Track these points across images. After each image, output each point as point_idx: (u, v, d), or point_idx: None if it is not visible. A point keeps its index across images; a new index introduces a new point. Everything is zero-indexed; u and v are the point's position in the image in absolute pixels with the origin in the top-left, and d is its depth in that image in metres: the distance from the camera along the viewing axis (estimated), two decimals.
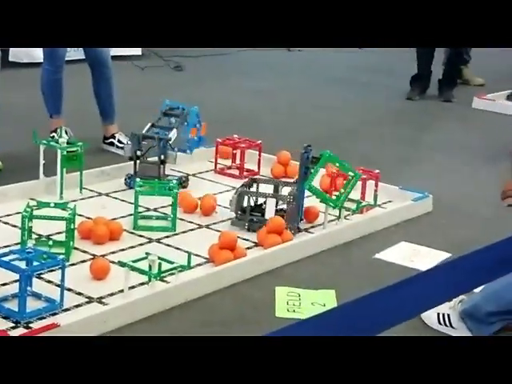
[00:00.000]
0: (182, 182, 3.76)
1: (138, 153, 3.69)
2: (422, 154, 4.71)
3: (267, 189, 3.47)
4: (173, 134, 3.74)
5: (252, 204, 3.34)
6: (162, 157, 3.68)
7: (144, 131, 3.75)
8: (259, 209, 3.34)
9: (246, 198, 3.32)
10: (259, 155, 4.08)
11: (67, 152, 3.53)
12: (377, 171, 3.69)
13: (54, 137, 3.73)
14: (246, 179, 3.60)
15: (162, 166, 3.69)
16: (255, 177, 3.63)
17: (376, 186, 3.64)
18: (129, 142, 3.75)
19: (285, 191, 3.39)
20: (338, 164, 3.38)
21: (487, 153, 4.79)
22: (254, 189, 3.46)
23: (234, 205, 3.31)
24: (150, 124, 3.81)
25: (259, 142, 4.11)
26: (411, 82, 6.15)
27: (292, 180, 3.61)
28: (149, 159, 3.72)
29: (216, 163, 4.09)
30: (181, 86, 5.91)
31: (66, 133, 3.78)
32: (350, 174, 3.38)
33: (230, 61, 6.88)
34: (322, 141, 4.60)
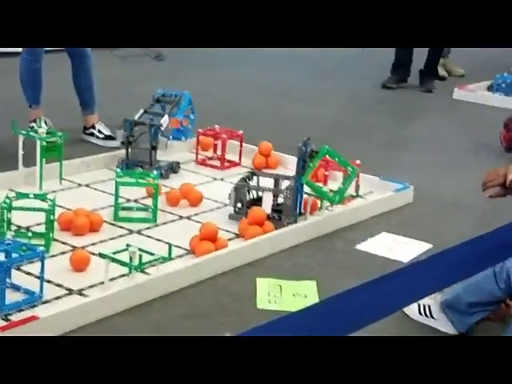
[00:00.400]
0: (174, 168, 3.81)
1: (130, 139, 3.73)
2: (403, 145, 4.72)
3: (267, 182, 3.45)
4: (164, 121, 3.75)
5: (251, 197, 3.32)
6: (153, 143, 3.71)
7: (136, 117, 3.77)
8: (258, 202, 3.33)
9: (243, 191, 3.29)
10: (240, 146, 4.06)
11: (47, 142, 3.50)
12: (358, 162, 3.69)
13: (33, 127, 3.69)
14: (246, 172, 3.57)
15: (153, 152, 3.73)
16: (255, 170, 3.60)
17: (358, 176, 3.63)
18: (121, 128, 3.77)
19: (285, 185, 3.38)
20: (337, 159, 3.37)
21: (467, 143, 4.81)
22: (254, 182, 3.44)
23: (232, 198, 3.29)
24: (142, 110, 3.83)
25: (240, 132, 4.09)
26: (391, 71, 6.16)
27: (291, 173, 3.58)
28: (141, 145, 3.75)
29: (197, 154, 4.07)
30: (162, 76, 5.87)
31: (46, 123, 3.75)
32: (349, 169, 3.37)
33: (212, 51, 6.84)
34: (303, 131, 4.59)
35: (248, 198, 3.30)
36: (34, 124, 3.76)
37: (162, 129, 3.73)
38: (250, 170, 3.71)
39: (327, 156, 3.35)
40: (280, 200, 3.31)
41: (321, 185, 3.54)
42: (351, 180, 3.37)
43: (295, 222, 3.26)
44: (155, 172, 3.44)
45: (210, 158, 4.10)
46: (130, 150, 3.74)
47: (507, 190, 2.40)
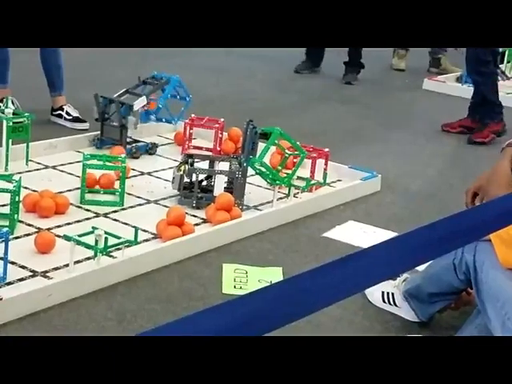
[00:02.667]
0: (149, 149, 3.85)
1: (106, 116, 3.80)
2: (372, 133, 4.74)
3: (203, 164, 3.45)
4: (139, 102, 3.77)
5: (190, 181, 3.30)
6: (123, 121, 3.75)
7: (115, 96, 3.80)
8: (199, 185, 3.32)
9: (191, 175, 3.28)
10: (221, 133, 3.99)
11: (13, 123, 3.46)
12: (326, 150, 3.70)
13: None
14: (182, 155, 3.56)
15: (123, 131, 3.77)
16: (191, 152, 3.60)
17: (326, 164, 3.65)
18: (94, 107, 3.82)
19: (221, 166, 3.37)
20: (289, 142, 3.41)
21: (435, 133, 4.85)
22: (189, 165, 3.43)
23: (177, 183, 3.27)
24: (124, 90, 3.86)
25: (222, 120, 4.03)
26: (306, 57, 6.16)
27: (231, 155, 3.57)
28: (113, 123, 3.81)
29: (184, 143, 4.00)
30: (132, 61, 5.83)
31: (13, 103, 3.71)
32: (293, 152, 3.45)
33: None
34: (273, 118, 4.59)
35: (197, 181, 3.27)
36: (0, 104, 3.72)
37: (135, 109, 3.76)
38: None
39: (279, 139, 3.41)
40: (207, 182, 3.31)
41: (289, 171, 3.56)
42: (300, 163, 3.47)
43: (243, 203, 3.27)
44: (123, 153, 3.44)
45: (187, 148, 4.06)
46: (104, 127, 3.80)
47: None
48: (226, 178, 3.32)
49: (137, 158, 3.77)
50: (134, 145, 3.83)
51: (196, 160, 3.42)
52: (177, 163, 3.39)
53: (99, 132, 3.85)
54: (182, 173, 3.27)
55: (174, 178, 3.30)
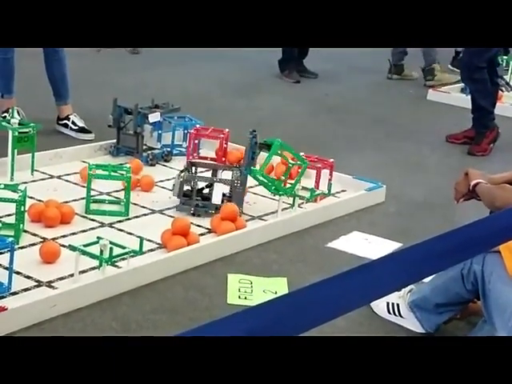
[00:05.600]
0: (165, 156, 3.92)
1: (121, 124, 3.88)
2: (376, 144, 4.74)
3: (206, 173, 3.46)
4: (154, 115, 3.85)
5: (190, 188, 3.32)
6: (138, 130, 3.84)
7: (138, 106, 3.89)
8: (200, 193, 3.33)
9: (189, 182, 3.30)
10: (226, 143, 4.00)
11: (19, 133, 3.47)
12: (331, 160, 3.70)
13: (5, 117, 3.66)
14: (185, 163, 3.58)
15: (139, 139, 3.85)
16: (194, 160, 3.61)
17: (330, 174, 3.65)
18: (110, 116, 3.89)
19: (224, 175, 3.39)
20: (291, 153, 3.43)
21: (439, 144, 4.85)
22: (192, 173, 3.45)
23: (176, 190, 3.29)
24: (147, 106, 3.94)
25: (227, 130, 4.04)
26: (284, 67, 6.20)
27: (234, 165, 3.58)
28: (129, 131, 3.89)
29: (189, 153, 4.01)
30: (136, 70, 5.85)
31: (19, 113, 3.72)
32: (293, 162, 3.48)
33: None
34: (276, 128, 4.60)
35: (195, 189, 3.29)
36: (6, 114, 3.73)
37: (150, 121, 3.84)
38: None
39: (281, 149, 3.43)
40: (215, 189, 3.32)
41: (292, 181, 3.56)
42: (302, 173, 3.48)
43: (242, 211, 3.28)
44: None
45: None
46: (120, 135, 3.87)
47: (472, 194, 2.53)
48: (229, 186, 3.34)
49: (153, 165, 3.81)
50: (149, 152, 3.86)
51: (199, 169, 3.45)
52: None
53: (115, 140, 3.92)
54: (181, 180, 3.29)
55: (174, 185, 3.32)
